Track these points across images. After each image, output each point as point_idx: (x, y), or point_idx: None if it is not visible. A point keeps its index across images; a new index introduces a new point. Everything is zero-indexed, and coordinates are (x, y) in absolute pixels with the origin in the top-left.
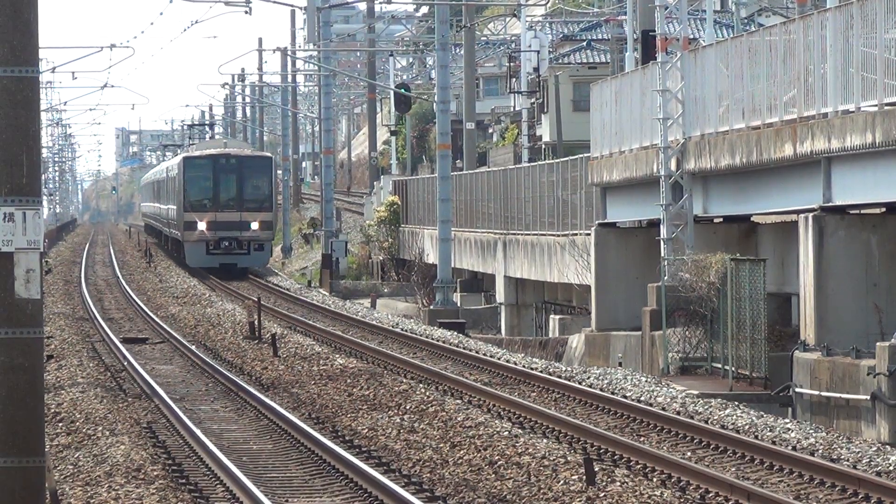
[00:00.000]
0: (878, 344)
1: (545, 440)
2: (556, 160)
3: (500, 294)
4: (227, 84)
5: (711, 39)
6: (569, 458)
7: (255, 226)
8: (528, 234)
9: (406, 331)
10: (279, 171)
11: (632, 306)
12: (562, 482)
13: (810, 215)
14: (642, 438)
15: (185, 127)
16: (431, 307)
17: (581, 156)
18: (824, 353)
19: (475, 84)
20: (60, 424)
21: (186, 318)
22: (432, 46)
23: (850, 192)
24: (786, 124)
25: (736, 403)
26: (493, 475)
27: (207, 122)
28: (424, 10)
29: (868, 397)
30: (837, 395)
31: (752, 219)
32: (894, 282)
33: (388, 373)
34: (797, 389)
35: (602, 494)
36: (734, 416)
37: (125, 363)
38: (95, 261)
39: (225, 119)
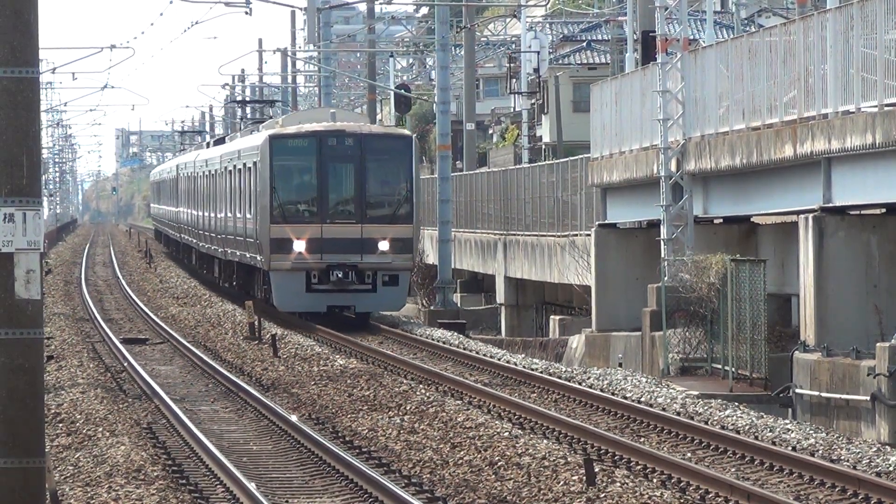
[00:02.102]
0: (878, 345)
1: (545, 441)
2: (557, 161)
3: (500, 295)
4: (227, 85)
5: (711, 40)
6: (569, 459)
7: (384, 246)
8: (529, 235)
9: (406, 331)
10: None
11: (632, 307)
12: (562, 483)
13: (810, 216)
14: (642, 439)
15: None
16: (432, 308)
17: (581, 156)
18: (824, 353)
19: (475, 85)
20: (61, 425)
21: (187, 318)
22: (432, 47)
23: (851, 193)
24: (786, 125)
25: (736, 404)
26: (494, 476)
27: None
28: (424, 10)
29: (868, 398)
30: (837, 395)
31: (752, 219)
32: (894, 282)
33: (389, 373)
34: (797, 390)
35: (602, 495)
36: (734, 417)
37: (125, 364)
38: (96, 261)
39: (225, 120)
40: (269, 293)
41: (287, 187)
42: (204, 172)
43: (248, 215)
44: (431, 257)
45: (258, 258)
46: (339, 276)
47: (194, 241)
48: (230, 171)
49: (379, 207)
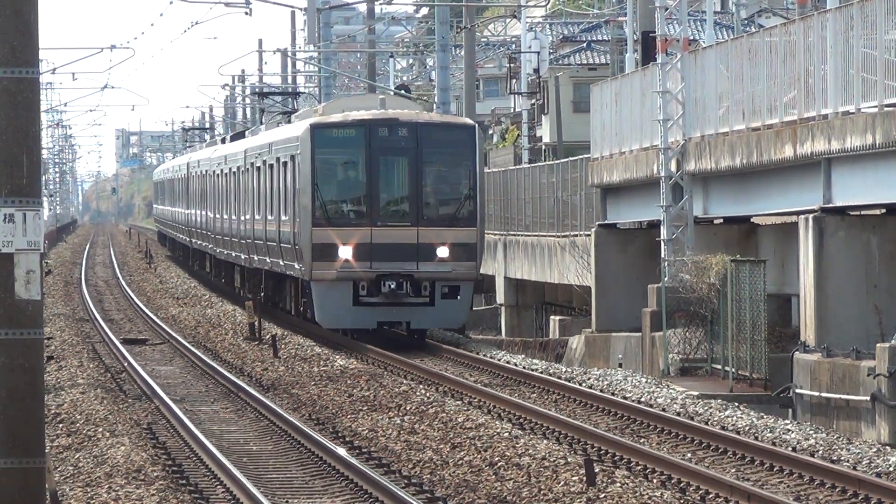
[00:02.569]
0: (878, 345)
1: (545, 441)
2: (557, 161)
3: (500, 295)
4: (227, 85)
5: (711, 40)
6: (569, 459)
7: (443, 252)
8: (529, 235)
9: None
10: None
11: (632, 307)
12: (562, 483)
13: (810, 216)
14: (642, 439)
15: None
16: None
17: (581, 157)
18: (824, 354)
19: (475, 85)
20: (61, 425)
21: (186, 319)
22: (432, 47)
23: (851, 193)
24: (786, 125)
25: (736, 404)
26: (494, 476)
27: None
28: (424, 11)
29: (868, 398)
30: (837, 396)
31: (752, 220)
32: (894, 282)
33: (389, 374)
34: (797, 390)
35: (602, 495)
36: (734, 417)
37: (125, 364)
38: (96, 262)
39: (225, 120)
40: (308, 307)
41: (331, 185)
42: (222, 170)
43: (282, 217)
44: None
45: (295, 266)
46: (392, 287)
47: (210, 246)
48: (258, 168)
49: (437, 208)
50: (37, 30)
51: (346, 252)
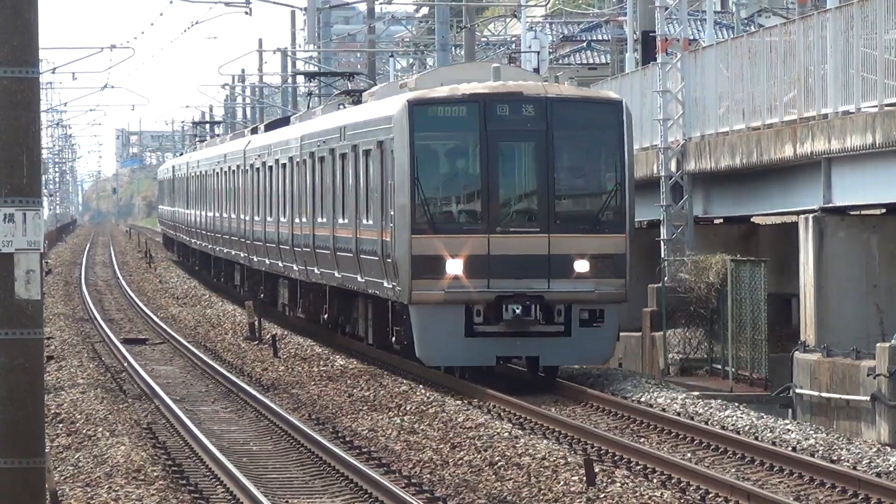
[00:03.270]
0: (878, 345)
1: (545, 441)
2: None
3: None
4: (227, 85)
5: (712, 40)
6: (569, 459)
7: (582, 266)
8: None
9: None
10: None
11: (632, 307)
12: (562, 483)
13: (810, 216)
14: (642, 439)
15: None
16: None
17: None
18: (824, 353)
19: None
20: (61, 425)
21: (186, 318)
22: (432, 47)
23: (851, 193)
24: (786, 125)
25: (736, 404)
26: (494, 476)
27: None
28: (424, 10)
29: (868, 398)
30: (837, 396)
31: (752, 220)
32: (894, 282)
33: (388, 374)
34: (797, 390)
35: (602, 495)
36: (734, 417)
37: (125, 364)
38: (96, 262)
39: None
40: (405, 336)
41: (437, 179)
42: (261, 164)
43: (363, 221)
44: None
45: (384, 285)
46: (517, 311)
47: (242, 254)
48: (321, 160)
49: (575, 208)
50: (37, 30)
51: (455, 266)
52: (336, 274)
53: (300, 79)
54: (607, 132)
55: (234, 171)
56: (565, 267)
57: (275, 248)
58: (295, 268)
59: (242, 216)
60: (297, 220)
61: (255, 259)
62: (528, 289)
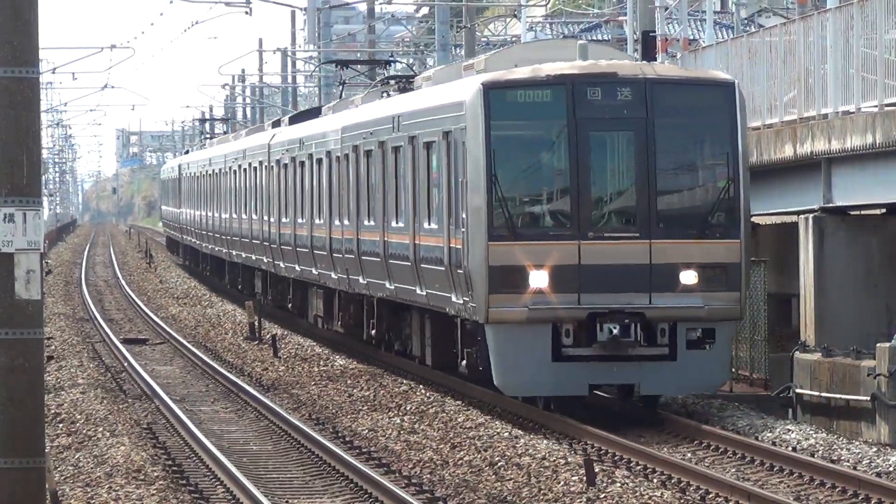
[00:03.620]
0: (878, 345)
1: (545, 441)
2: None
3: None
4: (227, 85)
5: (711, 40)
6: (569, 459)
7: (689, 277)
8: None
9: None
10: None
11: None
12: (562, 483)
13: (810, 216)
14: (642, 439)
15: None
16: None
17: None
18: (824, 354)
19: None
20: (61, 425)
21: (187, 318)
22: (432, 47)
23: (851, 194)
24: (786, 125)
25: (736, 404)
26: (494, 476)
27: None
28: (424, 10)
29: (868, 398)
30: (837, 395)
31: (751, 219)
32: (894, 283)
33: (388, 374)
34: (797, 390)
35: (602, 495)
36: (734, 417)
37: (125, 364)
38: (96, 262)
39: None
40: (478, 359)
41: (517, 175)
42: (290, 160)
43: (425, 225)
44: None
45: (454, 299)
46: (613, 331)
47: (265, 260)
48: (367, 154)
49: (680, 210)
50: (37, 30)
51: (540, 279)
52: (387, 284)
53: (300, 79)
54: (717, 118)
55: (255, 167)
56: (669, 278)
57: (307, 254)
58: (333, 276)
59: (267, 217)
60: (336, 223)
61: (283, 265)
62: (627, 305)
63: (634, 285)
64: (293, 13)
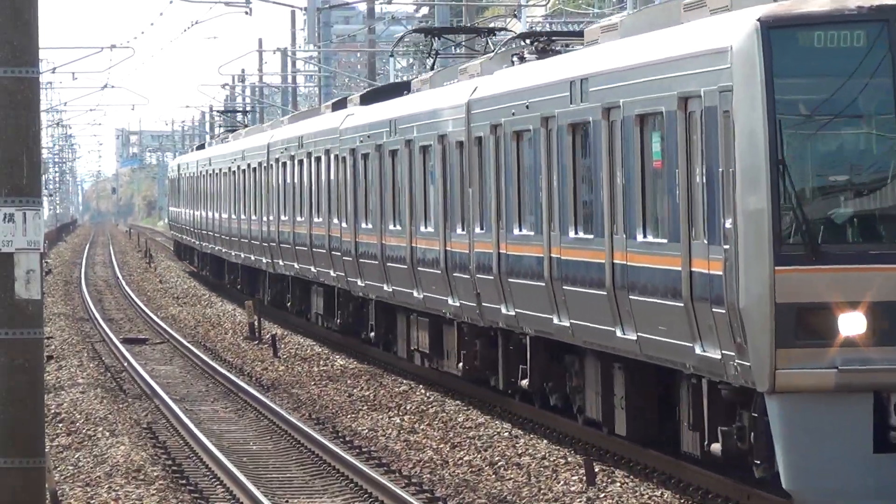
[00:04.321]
0: None
1: (545, 441)
2: None
3: None
4: (227, 85)
5: None
6: (569, 459)
7: None
8: None
9: None
10: None
11: None
12: (562, 483)
13: None
14: None
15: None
16: None
17: None
18: None
19: None
20: (61, 425)
21: (186, 318)
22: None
23: None
24: None
25: None
26: (494, 476)
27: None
28: (424, 10)
29: None
30: None
31: None
32: None
33: (388, 374)
34: None
35: (602, 495)
36: None
37: (125, 364)
38: (96, 261)
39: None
40: (739, 440)
41: (821, 160)
42: (352, 150)
43: (651, 237)
44: None
45: (701, 351)
46: None
47: (334, 274)
48: (530, 140)
49: None
50: (37, 30)
51: (854, 324)
52: (539, 317)
53: (300, 79)
54: None
55: (309, 160)
56: None
57: (396, 272)
58: (415, 295)
59: (337, 224)
60: (474, 231)
61: (353, 281)
62: None
63: None
64: (293, 13)
